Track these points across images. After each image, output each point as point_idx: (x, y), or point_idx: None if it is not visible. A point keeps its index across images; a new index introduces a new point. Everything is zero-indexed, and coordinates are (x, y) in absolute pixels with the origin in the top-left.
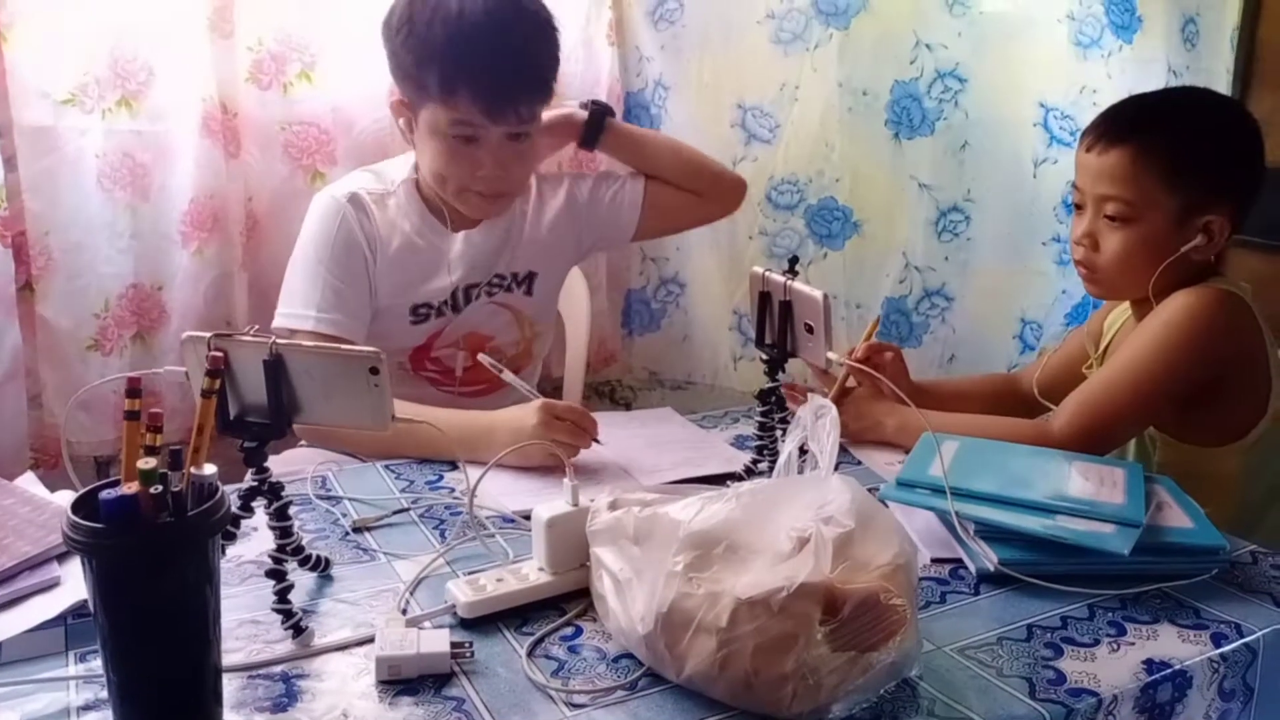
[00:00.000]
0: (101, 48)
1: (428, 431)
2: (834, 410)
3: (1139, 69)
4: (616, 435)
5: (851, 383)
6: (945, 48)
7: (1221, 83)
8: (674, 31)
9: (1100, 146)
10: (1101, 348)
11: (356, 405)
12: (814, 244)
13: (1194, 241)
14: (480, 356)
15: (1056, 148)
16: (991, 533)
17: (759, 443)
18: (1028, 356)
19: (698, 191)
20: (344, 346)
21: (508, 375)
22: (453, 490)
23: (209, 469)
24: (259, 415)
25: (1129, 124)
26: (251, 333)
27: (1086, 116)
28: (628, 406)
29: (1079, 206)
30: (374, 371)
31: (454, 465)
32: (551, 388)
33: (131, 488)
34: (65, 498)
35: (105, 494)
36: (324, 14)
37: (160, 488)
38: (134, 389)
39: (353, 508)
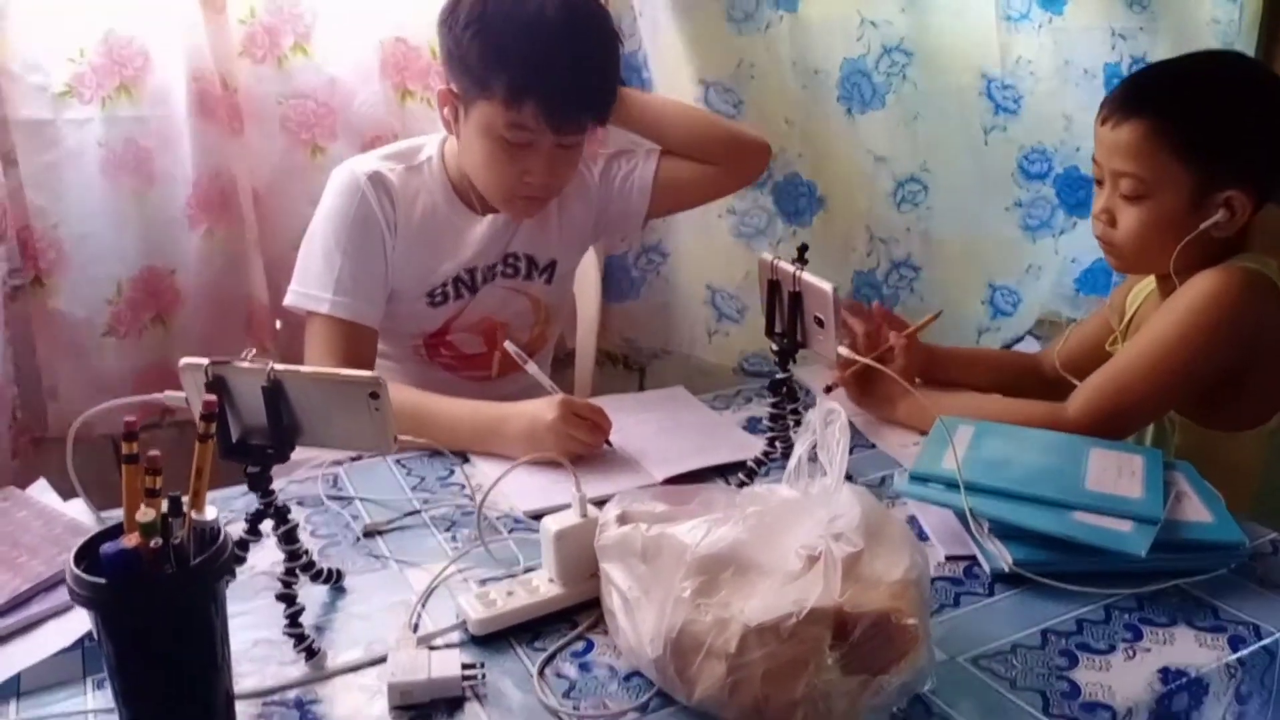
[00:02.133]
0: (94, 35)
1: (444, 420)
2: (844, 416)
3: (1079, 35)
4: (627, 422)
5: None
6: (890, 24)
7: (1205, 38)
8: None
9: (1114, 120)
10: (1125, 322)
11: (358, 429)
12: (782, 222)
13: (1214, 218)
14: (506, 345)
15: (1003, 115)
16: (1007, 531)
17: (771, 433)
18: (1001, 320)
19: (713, 162)
20: (343, 371)
21: (531, 367)
22: (463, 488)
23: (210, 512)
24: (261, 438)
25: (1143, 96)
26: (249, 358)
27: (1026, 85)
28: (642, 373)
29: (1098, 181)
30: (374, 396)
31: (466, 458)
32: (564, 354)
33: (132, 540)
34: (77, 509)
35: (106, 548)
36: None
37: (160, 540)
38: (130, 432)
39: (364, 509)
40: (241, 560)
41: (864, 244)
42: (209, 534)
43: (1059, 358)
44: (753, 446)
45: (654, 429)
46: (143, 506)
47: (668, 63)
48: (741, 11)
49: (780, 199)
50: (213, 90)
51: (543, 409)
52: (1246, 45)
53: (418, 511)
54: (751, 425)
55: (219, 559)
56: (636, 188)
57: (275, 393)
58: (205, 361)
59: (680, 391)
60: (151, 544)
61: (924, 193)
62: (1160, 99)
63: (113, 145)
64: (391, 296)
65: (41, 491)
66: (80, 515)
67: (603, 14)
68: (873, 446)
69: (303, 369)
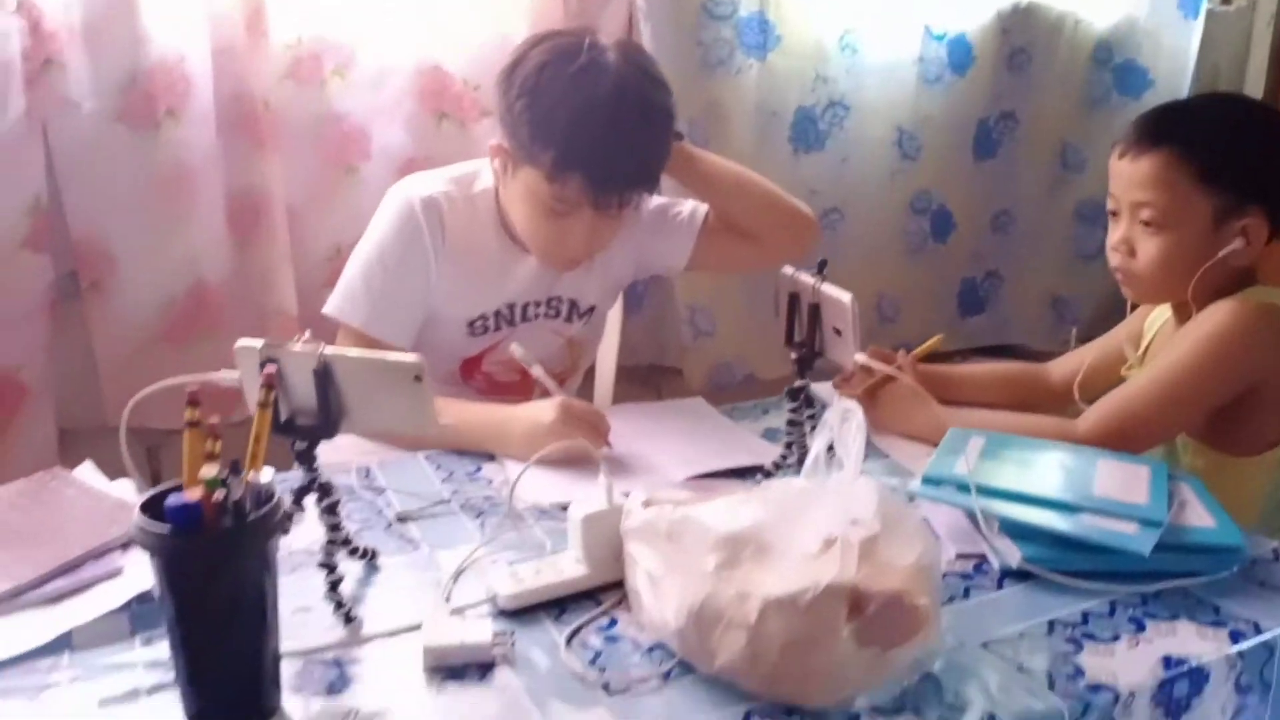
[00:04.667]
0: (147, 61)
1: (450, 428)
2: (860, 413)
3: (967, 98)
4: (648, 427)
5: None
6: (836, 81)
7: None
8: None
9: (1134, 153)
10: (1142, 349)
11: (402, 411)
12: None
13: (1232, 245)
14: (513, 347)
15: (906, 162)
16: (1015, 529)
17: (789, 438)
18: (883, 327)
19: (760, 235)
20: (389, 355)
21: (536, 370)
22: (490, 482)
23: (266, 474)
24: (309, 418)
25: (1161, 130)
26: (301, 341)
27: (926, 137)
28: (658, 391)
29: (1114, 213)
30: (418, 379)
31: (491, 457)
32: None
33: (194, 494)
34: (123, 488)
35: (171, 500)
36: (356, 13)
37: (223, 495)
38: (194, 400)
39: (396, 499)
40: (288, 529)
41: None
42: (264, 494)
43: (1078, 389)
44: (770, 452)
45: (673, 434)
46: (205, 466)
47: None
48: (716, 58)
49: None
50: (251, 110)
51: (542, 411)
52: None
53: (447, 501)
54: (769, 435)
55: (273, 517)
56: (679, 244)
57: (325, 375)
58: (260, 343)
59: (699, 402)
60: (214, 498)
61: (842, 221)
62: (1178, 132)
63: (160, 165)
64: (432, 320)
65: (88, 473)
66: (126, 495)
67: (657, 92)
68: (886, 457)
69: (351, 352)
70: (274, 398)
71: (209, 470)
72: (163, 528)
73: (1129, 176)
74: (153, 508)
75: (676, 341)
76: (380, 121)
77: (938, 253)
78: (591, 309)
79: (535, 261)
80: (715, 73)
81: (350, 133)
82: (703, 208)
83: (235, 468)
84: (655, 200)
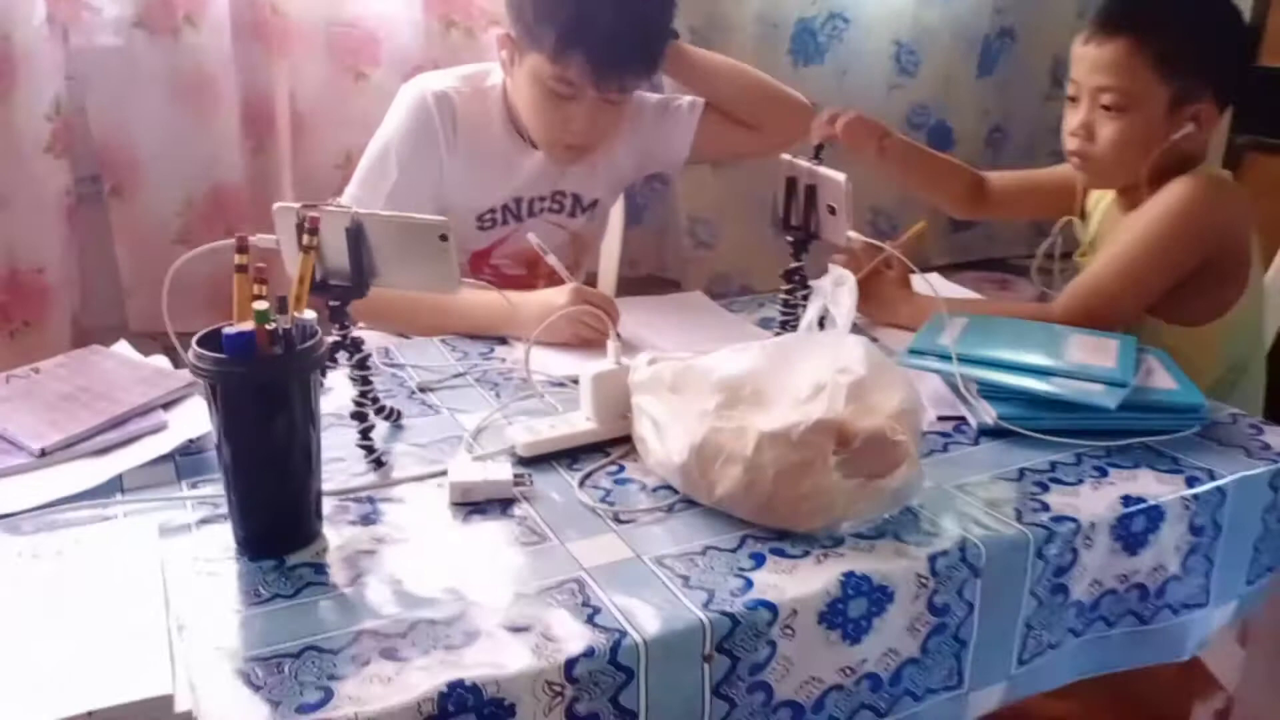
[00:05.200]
0: None
1: (461, 307)
2: (852, 279)
3: (967, 12)
4: (651, 318)
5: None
6: None
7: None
8: None
9: (1098, 39)
10: (1090, 237)
11: (427, 270)
12: None
13: (1184, 129)
14: (529, 236)
15: (904, 77)
16: (992, 392)
17: (783, 317)
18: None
19: (758, 124)
20: (416, 216)
21: (551, 258)
22: (504, 360)
23: (309, 314)
24: (341, 279)
25: (1124, 18)
26: (335, 204)
27: (926, 50)
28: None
29: (1073, 99)
30: (443, 238)
31: (504, 340)
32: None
33: (247, 326)
34: (161, 360)
35: (227, 330)
36: None
37: (274, 325)
38: (242, 246)
39: (415, 374)
40: (332, 364)
41: None
42: (309, 330)
43: (996, 179)
44: (765, 337)
45: (676, 322)
46: (255, 302)
47: None
48: None
49: None
50: (264, 16)
51: (556, 295)
52: None
53: (464, 374)
54: (765, 324)
55: (318, 349)
56: (680, 136)
57: (357, 233)
58: (298, 205)
59: (698, 296)
60: (267, 328)
61: None
62: (1140, 20)
63: (179, 70)
64: (443, 213)
65: (124, 349)
66: (163, 365)
67: None
68: (875, 340)
69: (381, 212)
70: (316, 243)
71: (261, 304)
72: (220, 357)
73: (1092, 61)
74: (207, 344)
75: (677, 253)
76: (388, 28)
77: None
78: (595, 203)
79: (541, 156)
80: None
81: (360, 38)
82: (701, 101)
83: (282, 305)
84: (655, 96)
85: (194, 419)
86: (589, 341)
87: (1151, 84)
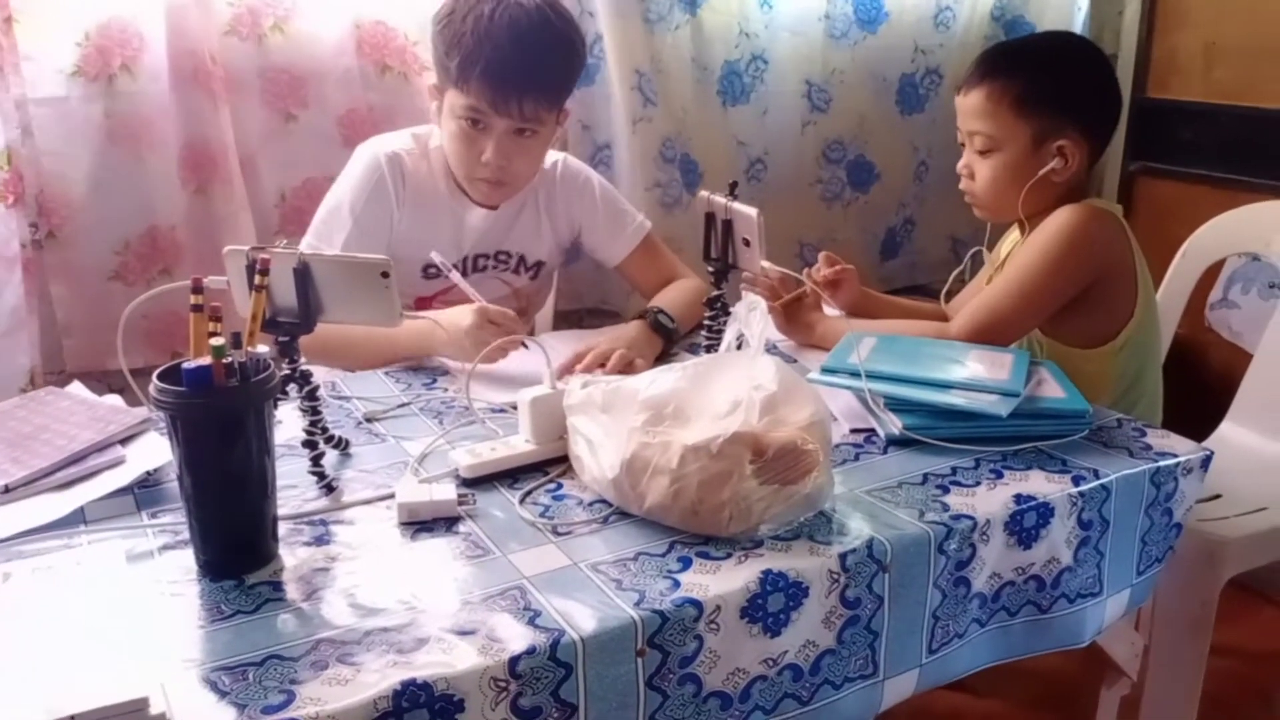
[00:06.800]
0: (98, 19)
1: (385, 337)
2: (763, 304)
3: (883, 53)
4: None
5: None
6: (757, 36)
7: None
8: None
9: (965, 88)
10: (996, 265)
11: (370, 305)
12: (687, 192)
13: (1051, 164)
14: (433, 254)
15: (816, 114)
16: (898, 405)
17: (707, 341)
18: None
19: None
20: (359, 255)
21: (455, 276)
22: (446, 390)
23: (262, 348)
24: (289, 316)
25: (985, 67)
26: (282, 245)
27: (837, 92)
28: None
29: (962, 144)
30: (385, 275)
31: (445, 371)
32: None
33: (204, 361)
34: (114, 400)
35: (186, 365)
36: None
37: (230, 359)
38: (197, 287)
39: (361, 405)
40: (284, 395)
41: None
42: (262, 363)
43: (952, 308)
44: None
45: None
46: (211, 338)
47: (610, 53)
48: (657, 14)
49: (685, 172)
50: (202, 65)
51: (461, 316)
52: None
53: (408, 404)
54: (693, 349)
55: (271, 379)
56: (617, 247)
57: (304, 273)
58: (247, 247)
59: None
60: (223, 361)
61: (765, 170)
62: (999, 67)
63: (116, 117)
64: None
65: (77, 389)
66: (117, 403)
67: (559, 20)
68: (794, 361)
69: (326, 253)
70: (266, 283)
71: (218, 340)
72: (180, 390)
73: (964, 109)
74: (167, 379)
75: (619, 286)
76: (320, 72)
77: (857, 202)
78: (539, 264)
79: (483, 215)
80: (656, 28)
81: (290, 83)
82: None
83: (236, 341)
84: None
85: (150, 453)
86: (494, 358)
87: (1013, 125)
